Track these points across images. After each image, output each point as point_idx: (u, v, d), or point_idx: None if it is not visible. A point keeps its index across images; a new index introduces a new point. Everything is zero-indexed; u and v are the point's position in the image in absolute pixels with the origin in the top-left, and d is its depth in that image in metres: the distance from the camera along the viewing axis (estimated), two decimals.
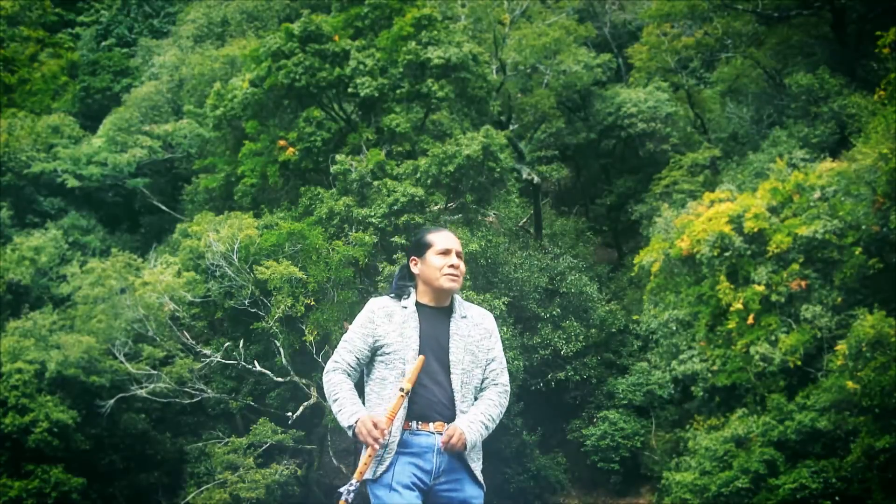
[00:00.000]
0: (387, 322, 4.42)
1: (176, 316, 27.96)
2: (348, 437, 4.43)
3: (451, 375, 4.40)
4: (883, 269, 23.17)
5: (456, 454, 4.39)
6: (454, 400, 4.41)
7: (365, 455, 4.27)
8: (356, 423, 4.25)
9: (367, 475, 4.29)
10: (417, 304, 4.50)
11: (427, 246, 4.52)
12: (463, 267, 4.52)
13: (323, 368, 23.18)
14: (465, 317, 4.53)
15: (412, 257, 4.56)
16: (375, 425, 4.21)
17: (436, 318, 4.47)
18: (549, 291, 29.80)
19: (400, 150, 28.07)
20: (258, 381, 28.61)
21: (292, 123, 28.93)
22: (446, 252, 4.49)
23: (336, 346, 4.52)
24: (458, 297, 4.56)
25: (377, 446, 4.23)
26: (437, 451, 4.34)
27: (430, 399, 4.36)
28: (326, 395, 4.40)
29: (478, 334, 4.52)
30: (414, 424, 4.34)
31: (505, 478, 28.52)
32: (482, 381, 4.51)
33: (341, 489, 4.25)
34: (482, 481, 4.47)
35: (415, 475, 4.29)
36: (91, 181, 35.63)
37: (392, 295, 4.53)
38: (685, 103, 37.09)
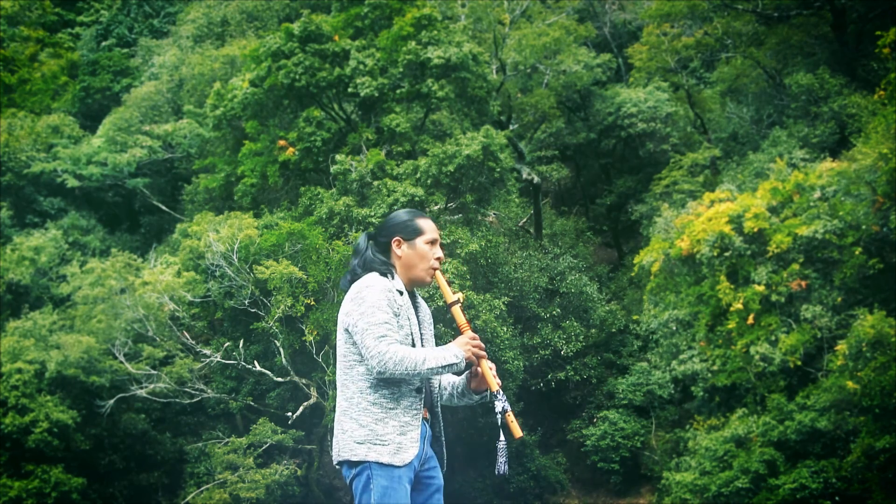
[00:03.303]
0: (398, 300, 4.34)
1: (176, 316, 27.96)
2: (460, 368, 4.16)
3: None
4: (883, 269, 23.17)
5: (435, 439, 4.44)
6: (432, 387, 4.45)
7: (485, 367, 4.26)
8: (462, 353, 4.20)
9: (387, 459, 4.19)
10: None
11: (418, 231, 4.41)
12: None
13: (323, 368, 22.98)
14: (422, 304, 4.52)
15: (397, 238, 4.41)
16: (473, 338, 4.25)
17: (410, 306, 4.43)
18: (549, 291, 29.79)
19: (400, 150, 28.07)
20: (258, 381, 28.61)
21: (292, 123, 28.93)
22: (434, 242, 4.43)
23: (367, 332, 4.19)
24: None
25: (485, 353, 4.27)
26: (426, 439, 4.35)
27: (425, 388, 4.40)
28: (406, 368, 4.12)
29: (428, 323, 4.53)
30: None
31: (505, 478, 28.52)
32: None
33: (499, 407, 4.23)
34: (444, 462, 4.50)
35: (414, 466, 4.29)
36: (91, 181, 35.64)
37: (379, 273, 4.37)
38: (685, 103, 37.09)
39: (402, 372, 4.12)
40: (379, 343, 4.15)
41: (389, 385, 4.25)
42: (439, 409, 4.49)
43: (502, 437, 4.33)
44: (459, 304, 4.34)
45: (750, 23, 34.75)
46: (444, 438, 4.48)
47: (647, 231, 31.08)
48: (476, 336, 4.25)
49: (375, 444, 4.21)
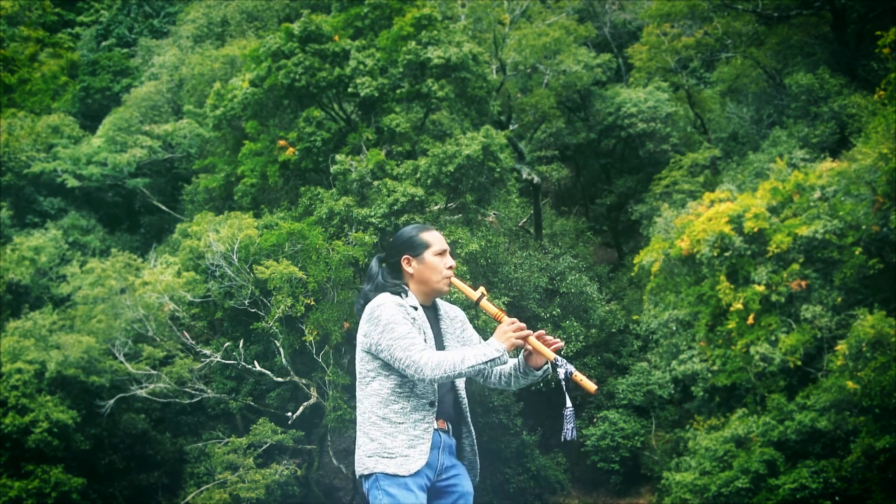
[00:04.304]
0: (414, 316, 4.39)
1: (176, 316, 27.96)
2: (500, 361, 4.21)
3: None
4: (883, 269, 23.16)
5: (456, 451, 4.47)
6: (458, 398, 4.48)
7: (537, 344, 4.27)
8: (503, 345, 4.21)
9: (392, 470, 4.24)
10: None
11: (424, 246, 4.46)
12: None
13: (323, 368, 23.03)
14: (452, 317, 4.58)
15: (405, 256, 4.47)
16: (511, 325, 4.24)
17: (431, 319, 4.48)
18: (549, 291, 29.79)
19: (400, 150, 28.06)
20: (258, 381, 28.61)
21: (292, 123, 28.92)
22: (443, 253, 4.47)
23: (394, 346, 4.23)
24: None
25: (528, 331, 4.26)
26: (441, 449, 4.38)
27: (441, 398, 4.42)
28: (445, 370, 4.13)
29: (458, 328, 4.58)
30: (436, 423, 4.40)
31: (505, 478, 28.52)
32: None
33: (562, 374, 4.23)
34: (478, 471, 4.54)
35: (426, 475, 4.32)
36: (91, 181, 35.64)
37: (392, 292, 4.44)
38: (685, 103, 37.08)
39: (442, 375, 4.15)
40: (410, 353, 4.19)
41: (400, 400, 4.30)
42: (468, 417, 4.51)
43: (568, 403, 4.34)
44: (485, 297, 4.37)
45: (750, 23, 34.75)
46: (476, 447, 4.52)
47: (647, 231, 31.08)
48: (514, 320, 4.25)
49: (383, 457, 4.27)
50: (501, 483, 28.46)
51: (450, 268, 4.47)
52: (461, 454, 4.51)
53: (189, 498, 27.22)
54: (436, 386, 4.34)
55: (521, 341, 4.23)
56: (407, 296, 4.42)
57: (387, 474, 4.24)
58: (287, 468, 27.08)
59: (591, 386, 4.13)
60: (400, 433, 4.28)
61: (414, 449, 4.26)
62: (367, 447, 4.31)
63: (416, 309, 4.38)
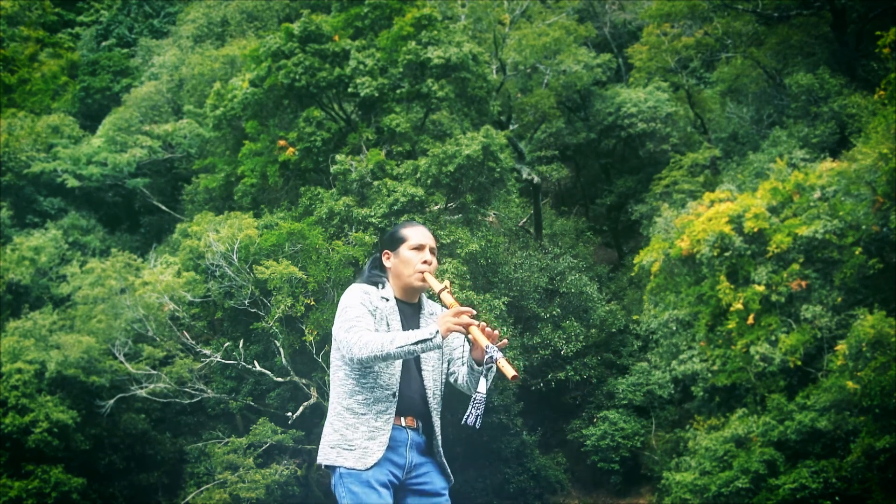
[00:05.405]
0: (377, 305, 4.40)
1: (176, 316, 27.95)
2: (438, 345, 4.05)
3: (423, 372, 4.43)
4: (883, 269, 23.16)
5: (426, 449, 4.43)
6: (426, 396, 4.45)
7: (475, 332, 4.14)
8: (436, 328, 4.11)
9: (351, 463, 4.24)
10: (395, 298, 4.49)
11: (401, 240, 4.48)
12: (435, 263, 4.50)
13: (323, 368, 22.99)
14: (432, 314, 4.55)
15: (385, 251, 4.52)
16: (452, 313, 4.14)
17: (408, 314, 4.47)
18: (549, 291, 29.79)
19: (400, 150, 28.06)
20: (258, 381, 28.60)
21: (292, 123, 28.92)
22: (420, 248, 4.46)
23: (339, 328, 4.29)
24: (422, 294, 4.56)
25: (474, 320, 4.14)
26: (409, 446, 4.36)
27: (407, 395, 4.39)
28: (372, 350, 4.13)
29: None
30: (400, 420, 4.37)
31: (505, 478, 28.52)
32: (450, 366, 4.52)
33: (489, 356, 4.11)
34: (450, 473, 4.50)
35: (390, 472, 4.31)
36: (91, 181, 35.64)
37: (368, 283, 4.46)
38: (685, 103, 37.07)
39: (369, 355, 4.16)
40: (347, 334, 4.24)
41: (364, 391, 4.31)
42: (436, 418, 4.49)
43: (480, 388, 4.24)
44: (447, 290, 4.35)
45: (750, 23, 34.75)
46: (440, 449, 4.48)
47: (647, 231, 31.07)
48: (461, 309, 4.17)
49: (344, 450, 4.28)
50: (501, 483, 28.46)
51: (425, 262, 4.45)
52: (431, 452, 4.48)
53: (189, 498, 27.22)
54: (398, 377, 4.33)
55: (458, 327, 4.14)
56: (383, 287, 4.45)
57: (348, 469, 4.25)
58: (287, 468, 27.07)
59: (510, 372, 4.05)
60: (361, 424, 4.28)
61: (373, 441, 4.26)
62: (329, 437, 4.32)
63: (386, 301, 4.40)
